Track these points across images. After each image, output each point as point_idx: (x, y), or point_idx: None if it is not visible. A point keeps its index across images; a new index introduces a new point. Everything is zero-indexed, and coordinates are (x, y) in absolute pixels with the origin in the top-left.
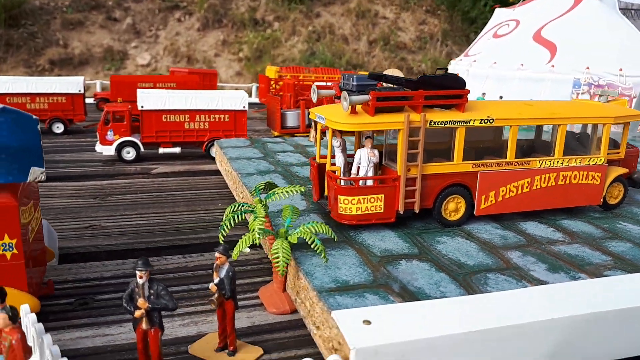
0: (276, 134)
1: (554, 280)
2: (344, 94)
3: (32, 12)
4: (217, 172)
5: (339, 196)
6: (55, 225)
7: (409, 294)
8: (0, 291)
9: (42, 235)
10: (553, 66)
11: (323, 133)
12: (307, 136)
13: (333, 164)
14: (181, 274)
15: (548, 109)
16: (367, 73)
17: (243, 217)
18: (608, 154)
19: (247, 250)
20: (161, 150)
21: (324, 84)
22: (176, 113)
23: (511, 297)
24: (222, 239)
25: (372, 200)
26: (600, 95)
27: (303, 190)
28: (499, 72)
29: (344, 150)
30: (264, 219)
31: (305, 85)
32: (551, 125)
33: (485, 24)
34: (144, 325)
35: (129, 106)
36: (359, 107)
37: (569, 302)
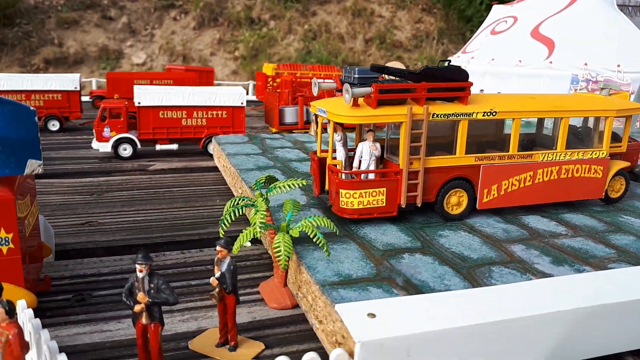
0: (274, 130)
1: (558, 273)
2: (346, 85)
3: (26, 11)
4: (215, 169)
5: (341, 190)
6: (51, 222)
7: (413, 287)
8: None
9: (39, 230)
10: (551, 62)
11: (324, 129)
12: (306, 132)
13: (334, 159)
14: (180, 269)
15: (551, 102)
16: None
17: (244, 211)
18: (610, 147)
19: (248, 244)
20: (158, 147)
21: (321, 81)
22: (173, 109)
23: (516, 289)
24: (223, 233)
25: (374, 194)
26: (602, 89)
27: (305, 183)
28: (497, 68)
29: (345, 144)
30: (265, 213)
31: (302, 82)
32: (552, 121)
33: (481, 22)
34: (143, 320)
35: (126, 102)
36: (361, 100)
37: (575, 294)
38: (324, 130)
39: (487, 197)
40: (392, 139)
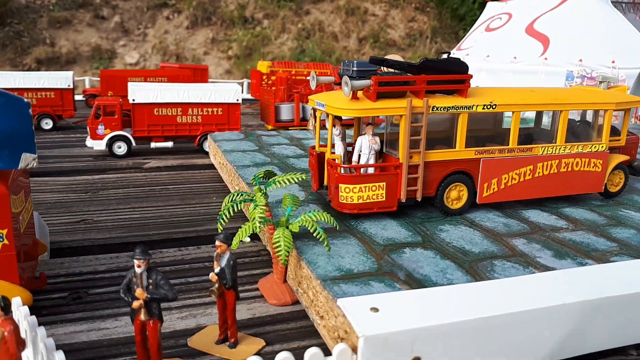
0: (270, 127)
1: (561, 267)
2: (345, 78)
3: (18, 10)
4: (211, 167)
5: (340, 185)
6: (46, 220)
7: (416, 282)
8: None
9: (34, 227)
10: (546, 59)
11: (323, 126)
12: (302, 129)
13: (333, 153)
14: (177, 266)
15: (550, 95)
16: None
17: (243, 206)
18: (609, 141)
19: (248, 239)
20: (153, 144)
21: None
22: (168, 106)
23: (520, 283)
24: (221, 229)
25: (374, 188)
26: (600, 82)
27: (304, 177)
28: (492, 65)
29: (343, 138)
30: (264, 207)
31: (298, 80)
32: (550, 116)
33: (474, 21)
34: (142, 317)
35: (120, 100)
36: (360, 93)
37: (579, 287)
38: (323, 128)
39: (487, 192)
40: (391, 133)
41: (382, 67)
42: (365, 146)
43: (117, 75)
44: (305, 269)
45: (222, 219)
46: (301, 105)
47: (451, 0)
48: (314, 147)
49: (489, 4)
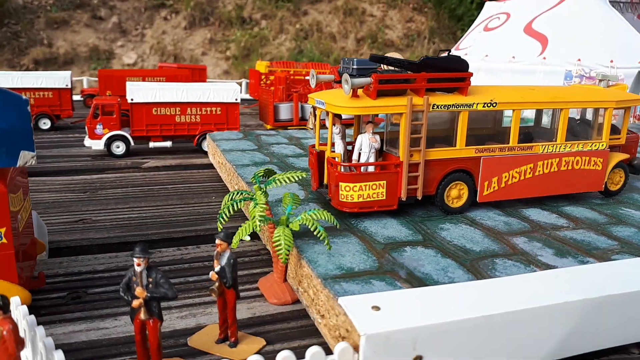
0: (269, 127)
1: (562, 265)
2: (345, 76)
3: (15, 11)
4: (210, 166)
5: (340, 183)
6: (44, 219)
7: (417, 280)
8: None
9: (32, 226)
10: (544, 58)
11: (323, 125)
12: (301, 129)
13: (333, 151)
14: (177, 266)
15: (550, 93)
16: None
17: (243, 205)
18: (609, 139)
19: (248, 238)
20: (152, 144)
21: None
22: (167, 106)
23: (522, 281)
24: (221, 228)
25: (374, 187)
26: (600, 80)
27: (305, 175)
28: (490, 65)
29: (343, 137)
30: (264, 206)
31: (296, 80)
32: (550, 115)
33: (472, 21)
34: (142, 316)
35: (119, 99)
36: (360, 91)
37: (581, 285)
38: (323, 127)
39: (487, 190)
40: (391, 131)
41: (382, 65)
42: (366, 144)
43: (115, 75)
44: (306, 268)
45: (222, 217)
46: (300, 104)
47: (449, 0)
48: (313, 146)
49: (487, 3)
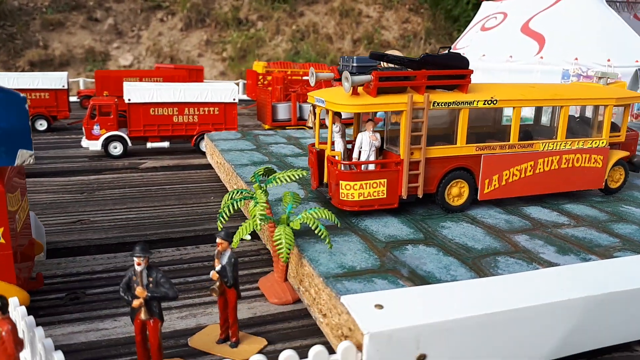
0: (267, 127)
1: (564, 262)
2: (346, 73)
3: (10, 12)
4: (208, 166)
5: (341, 182)
6: (41, 220)
7: (419, 278)
8: None
9: (30, 227)
10: (542, 57)
11: (323, 125)
12: (300, 129)
13: (332, 151)
14: (176, 266)
15: (550, 91)
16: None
17: (243, 204)
18: (609, 137)
19: (248, 237)
20: (149, 144)
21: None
22: (164, 106)
23: (524, 279)
24: (221, 227)
25: (375, 185)
26: (600, 78)
27: (305, 174)
28: (488, 64)
29: (343, 135)
30: (265, 205)
31: (294, 80)
32: (549, 113)
33: (468, 22)
34: (142, 316)
35: (116, 100)
36: (360, 89)
37: (584, 283)
38: (322, 124)
39: (488, 188)
40: (392, 129)
41: (381, 63)
42: (366, 143)
43: (112, 75)
44: (307, 267)
45: (222, 216)
46: (298, 104)
47: (445, 1)
48: (313, 145)
49: (484, 3)
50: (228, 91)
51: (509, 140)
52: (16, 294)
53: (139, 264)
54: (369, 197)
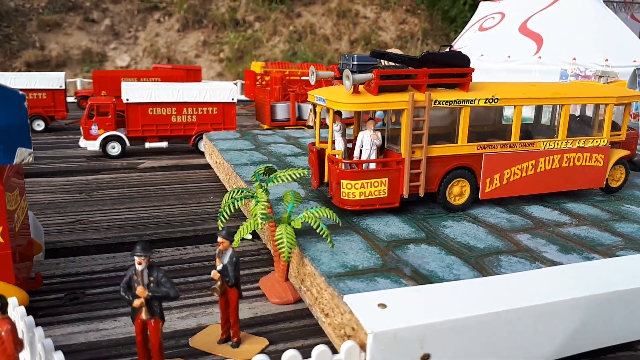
0: (266, 127)
1: (567, 261)
2: (347, 71)
3: (7, 13)
4: (207, 166)
5: (342, 181)
6: (40, 220)
7: (422, 277)
8: None
9: (29, 226)
10: (540, 57)
11: (324, 125)
12: (298, 128)
13: (333, 149)
14: (176, 266)
15: (551, 89)
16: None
17: (243, 203)
18: (610, 135)
19: (249, 236)
20: (147, 144)
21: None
22: (163, 106)
23: (528, 278)
24: (222, 226)
25: (376, 184)
26: (600, 77)
27: (306, 172)
28: (485, 64)
29: (343, 134)
30: (266, 204)
31: (292, 81)
32: (550, 112)
33: (465, 22)
34: (143, 316)
35: (114, 99)
36: (361, 87)
37: (588, 281)
38: (323, 124)
39: (489, 187)
40: (392, 128)
41: (382, 61)
42: (367, 141)
43: (110, 75)
44: (309, 266)
45: (223, 216)
46: (297, 104)
47: (442, 2)
48: (314, 144)
49: (481, 3)
50: (227, 91)
51: (510, 139)
52: (15, 294)
53: (139, 263)
54: (370, 196)
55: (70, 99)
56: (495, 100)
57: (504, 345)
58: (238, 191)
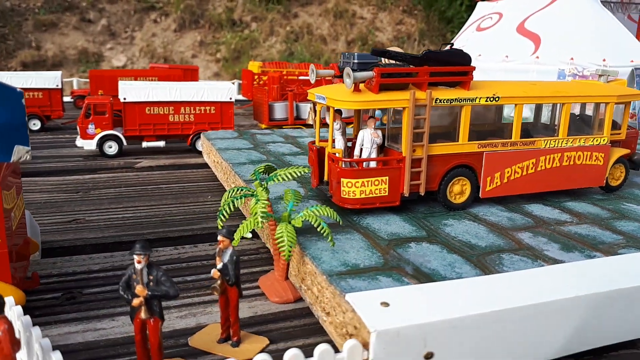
0: (264, 126)
1: (569, 259)
2: (348, 69)
3: (2, 13)
4: (205, 166)
5: (342, 179)
6: (36, 220)
7: (424, 276)
8: None
9: (25, 225)
10: (538, 57)
11: (324, 124)
12: (297, 128)
13: (333, 148)
14: (174, 265)
15: (552, 88)
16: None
17: (243, 202)
18: (610, 134)
19: (249, 235)
20: (145, 144)
21: (308, 78)
22: (160, 105)
23: (531, 276)
24: (221, 225)
25: (377, 183)
26: (600, 76)
27: (307, 171)
28: (483, 64)
29: (343, 132)
30: (266, 202)
31: (289, 80)
32: (549, 111)
33: (461, 23)
34: (142, 315)
35: (111, 98)
36: (362, 86)
37: (591, 280)
38: (323, 126)
39: (490, 186)
40: (393, 127)
41: (382, 59)
42: (367, 140)
43: (107, 75)
44: (310, 265)
45: (222, 214)
46: (295, 104)
47: (439, 3)
48: (313, 142)
49: (479, 3)
50: (225, 90)
51: (511, 138)
52: (12, 293)
53: (139, 262)
54: (370, 195)
55: (66, 99)
56: (497, 99)
57: (507, 343)
58: (238, 190)
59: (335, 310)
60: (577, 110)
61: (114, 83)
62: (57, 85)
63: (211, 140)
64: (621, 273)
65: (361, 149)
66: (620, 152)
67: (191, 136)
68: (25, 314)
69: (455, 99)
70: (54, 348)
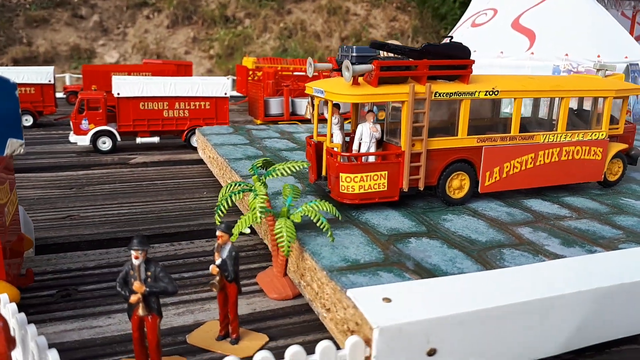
0: (259, 122)
1: (570, 254)
2: (347, 62)
3: None
4: (200, 162)
5: (341, 174)
6: (30, 216)
7: (425, 271)
8: None
9: (19, 222)
10: (532, 53)
11: (322, 120)
12: (292, 124)
13: (331, 143)
14: (171, 262)
15: (551, 82)
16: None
17: (241, 197)
18: (608, 129)
19: (248, 230)
20: (139, 140)
21: (303, 74)
22: (154, 100)
23: (533, 271)
24: (219, 221)
25: (376, 177)
26: (598, 70)
27: (306, 165)
28: (478, 60)
29: (341, 127)
30: (265, 197)
31: (284, 76)
32: (547, 105)
33: (455, 20)
34: (140, 312)
35: (104, 94)
36: (360, 79)
37: (592, 274)
38: (321, 120)
39: (489, 180)
40: (392, 121)
41: (381, 52)
42: (366, 134)
43: (100, 70)
44: (309, 261)
45: (220, 210)
46: (290, 99)
47: None
48: (311, 137)
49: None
50: (219, 85)
51: (510, 132)
52: (6, 290)
53: (136, 258)
54: (369, 190)
55: (59, 95)
56: (496, 93)
57: (509, 339)
58: (235, 184)
59: (336, 306)
60: (574, 105)
61: (107, 78)
62: (50, 81)
63: (206, 136)
64: (623, 268)
65: (360, 144)
66: (618, 147)
67: (186, 132)
68: (19, 311)
69: (455, 93)
70: (50, 346)
